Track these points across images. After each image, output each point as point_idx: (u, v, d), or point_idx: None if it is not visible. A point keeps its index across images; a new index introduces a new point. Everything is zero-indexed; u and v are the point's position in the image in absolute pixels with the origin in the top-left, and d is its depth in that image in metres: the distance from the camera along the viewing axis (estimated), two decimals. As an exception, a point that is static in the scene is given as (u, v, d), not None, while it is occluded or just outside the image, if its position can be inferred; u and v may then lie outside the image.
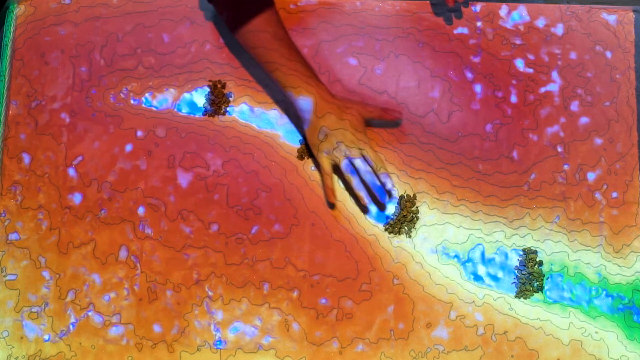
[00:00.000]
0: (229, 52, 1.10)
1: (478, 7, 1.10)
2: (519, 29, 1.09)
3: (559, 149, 1.06)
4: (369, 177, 1.00)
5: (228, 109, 1.08)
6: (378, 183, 1.00)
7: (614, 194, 1.05)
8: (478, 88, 1.08)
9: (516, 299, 1.03)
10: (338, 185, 1.06)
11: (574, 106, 1.07)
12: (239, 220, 1.05)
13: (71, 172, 1.07)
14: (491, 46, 1.09)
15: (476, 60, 1.09)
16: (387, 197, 1.04)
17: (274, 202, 1.06)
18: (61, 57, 1.10)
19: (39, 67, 1.09)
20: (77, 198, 1.06)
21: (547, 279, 1.03)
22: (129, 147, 1.07)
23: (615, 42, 1.09)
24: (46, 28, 1.10)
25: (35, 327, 1.03)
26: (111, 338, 1.03)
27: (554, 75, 1.08)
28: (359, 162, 1.00)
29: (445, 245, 1.04)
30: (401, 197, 1.05)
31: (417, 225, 1.05)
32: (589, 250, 1.03)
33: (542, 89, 1.08)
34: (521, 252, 1.04)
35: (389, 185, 1.00)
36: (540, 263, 1.03)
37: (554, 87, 1.08)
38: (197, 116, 1.08)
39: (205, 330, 1.03)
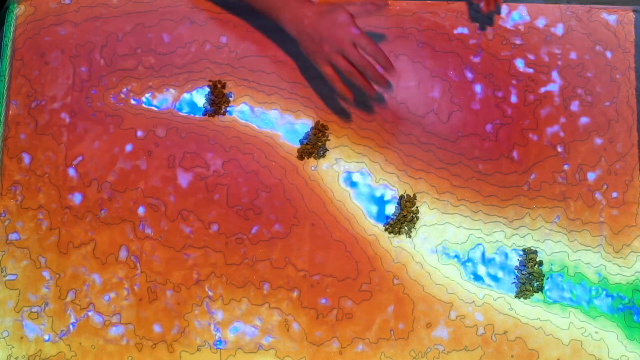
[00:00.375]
0: (229, 52, 1.10)
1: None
2: (519, 29, 1.09)
3: (559, 149, 1.06)
4: (364, 62, 0.96)
5: (228, 109, 1.08)
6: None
7: (614, 194, 1.05)
8: (478, 88, 1.08)
9: (516, 299, 1.03)
10: (339, 185, 1.06)
11: (574, 106, 1.07)
12: (239, 220, 1.05)
13: (71, 172, 1.07)
14: (491, 46, 1.09)
15: (476, 60, 1.09)
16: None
17: (274, 202, 1.06)
18: (61, 57, 1.10)
19: (39, 67, 1.09)
20: (77, 198, 1.06)
21: (547, 279, 1.03)
22: (129, 147, 1.07)
23: (615, 42, 1.09)
24: (46, 28, 1.10)
25: (35, 327, 1.03)
26: (111, 338, 1.03)
27: (554, 75, 1.08)
28: (351, 54, 0.96)
29: (445, 245, 1.04)
30: (401, 197, 1.05)
31: (417, 225, 1.05)
32: (589, 250, 1.03)
33: (542, 89, 1.08)
34: (521, 252, 1.04)
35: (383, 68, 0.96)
36: (540, 263, 1.03)
37: (554, 87, 1.08)
38: (197, 116, 1.08)
39: (205, 330, 1.03)
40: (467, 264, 1.04)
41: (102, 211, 1.06)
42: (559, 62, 1.08)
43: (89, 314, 1.04)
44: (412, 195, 1.05)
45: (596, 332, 1.02)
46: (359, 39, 0.95)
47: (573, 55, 1.08)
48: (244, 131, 1.08)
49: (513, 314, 1.02)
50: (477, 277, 1.03)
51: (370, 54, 0.96)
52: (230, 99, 1.08)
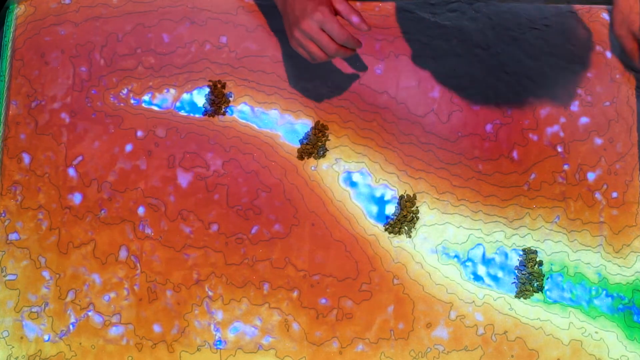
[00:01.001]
0: (228, 52, 1.10)
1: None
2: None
3: (559, 149, 1.06)
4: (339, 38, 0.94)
5: (228, 109, 1.08)
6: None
7: (614, 194, 1.05)
8: (478, 88, 1.08)
9: (516, 299, 1.03)
10: (339, 185, 1.06)
11: (574, 106, 1.07)
12: (239, 220, 1.05)
13: (71, 172, 1.07)
14: (491, 46, 1.09)
15: (476, 60, 1.09)
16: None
17: (274, 202, 1.06)
18: (61, 57, 1.10)
19: (39, 67, 1.09)
20: (77, 198, 1.06)
21: (547, 279, 1.03)
22: (129, 147, 1.07)
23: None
24: (46, 28, 1.10)
25: (35, 327, 1.03)
26: (111, 338, 1.03)
27: (554, 75, 1.08)
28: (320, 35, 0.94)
29: (445, 245, 1.04)
30: (401, 197, 1.05)
31: (417, 225, 1.05)
32: (589, 250, 1.03)
33: (542, 89, 1.08)
34: (521, 252, 1.04)
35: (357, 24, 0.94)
36: (540, 263, 1.03)
37: (554, 87, 1.08)
38: (197, 116, 1.08)
39: (205, 330, 1.03)
40: (467, 264, 1.04)
41: (102, 211, 1.06)
42: (559, 62, 1.08)
43: (89, 314, 1.04)
44: (412, 195, 1.05)
45: (596, 332, 1.02)
46: (327, 24, 0.92)
47: (573, 55, 1.09)
48: (244, 131, 1.08)
49: (513, 314, 1.02)
50: (477, 277, 1.03)
51: (339, 40, 0.93)
52: (230, 99, 1.08)
